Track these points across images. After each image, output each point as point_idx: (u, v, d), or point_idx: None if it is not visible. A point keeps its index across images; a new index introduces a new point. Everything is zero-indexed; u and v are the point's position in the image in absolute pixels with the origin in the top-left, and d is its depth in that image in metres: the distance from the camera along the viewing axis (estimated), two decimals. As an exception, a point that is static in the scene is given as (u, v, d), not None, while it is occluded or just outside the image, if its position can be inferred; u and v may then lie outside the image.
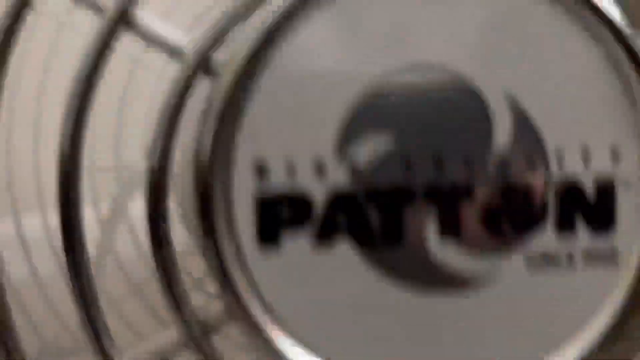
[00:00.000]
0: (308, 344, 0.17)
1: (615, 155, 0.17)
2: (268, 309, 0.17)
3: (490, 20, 0.16)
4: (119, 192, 0.40)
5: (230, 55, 0.17)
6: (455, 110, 0.17)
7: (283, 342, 0.17)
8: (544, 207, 0.17)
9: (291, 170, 0.17)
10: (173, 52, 0.17)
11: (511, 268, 0.17)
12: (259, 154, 0.16)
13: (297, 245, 0.17)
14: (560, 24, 0.17)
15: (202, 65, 0.17)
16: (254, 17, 0.17)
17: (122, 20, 0.16)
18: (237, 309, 0.17)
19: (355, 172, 0.17)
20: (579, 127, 0.17)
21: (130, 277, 0.39)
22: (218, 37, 0.17)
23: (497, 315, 0.17)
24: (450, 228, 0.17)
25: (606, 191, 0.17)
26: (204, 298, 0.19)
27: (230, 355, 0.18)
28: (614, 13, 0.17)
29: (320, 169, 0.17)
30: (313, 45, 0.16)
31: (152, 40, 0.17)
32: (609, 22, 0.17)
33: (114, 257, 0.39)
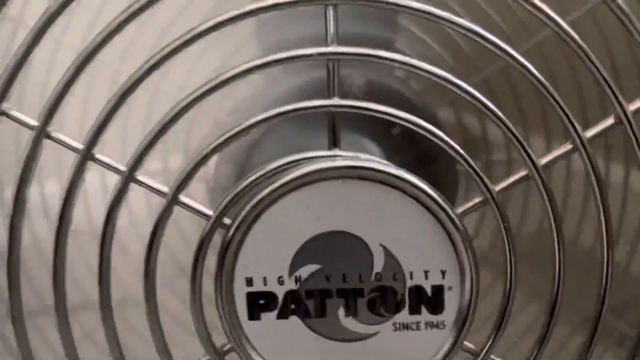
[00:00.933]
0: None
1: (443, 274, 0.31)
2: (255, 350, 0.32)
3: (367, 203, 0.30)
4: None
5: (235, 217, 0.31)
6: (354, 251, 0.31)
7: (263, 366, 0.32)
8: (402, 300, 0.31)
9: (265, 281, 0.31)
10: (202, 215, 0.31)
11: (385, 331, 0.32)
12: (248, 273, 0.31)
13: (269, 318, 0.31)
14: (409, 206, 0.30)
15: (219, 224, 0.31)
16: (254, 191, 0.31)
17: (175, 201, 0.31)
18: (240, 350, 0.32)
19: (299, 281, 0.31)
20: (423, 261, 0.31)
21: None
22: (231, 204, 0.31)
23: (376, 356, 0.32)
24: (352, 311, 0.32)
25: (438, 292, 0.31)
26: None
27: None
28: (439, 197, 0.30)
29: (280, 281, 0.31)
30: (281, 219, 0.30)
31: (191, 209, 0.31)
32: (435, 200, 0.30)
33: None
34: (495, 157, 0.56)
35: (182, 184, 0.31)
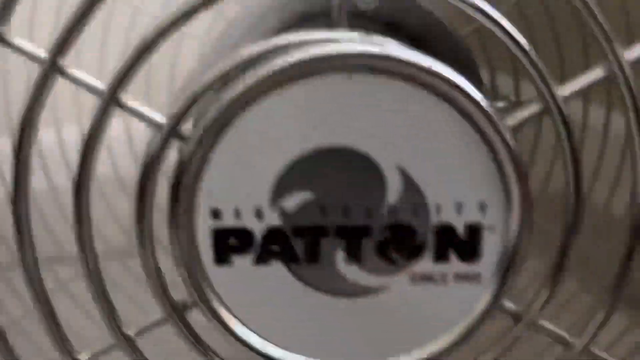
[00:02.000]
0: (254, 329, 0.24)
1: (482, 208, 0.23)
2: (225, 305, 0.24)
3: (381, 108, 0.22)
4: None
5: (197, 124, 0.22)
6: (360, 174, 0.22)
7: (237, 327, 0.24)
8: (424, 243, 0.23)
9: (237, 214, 0.23)
10: (154, 125, 0.23)
11: (398, 284, 0.23)
12: (214, 202, 0.23)
13: (243, 263, 0.23)
14: (440, 110, 0.22)
15: (175, 134, 0.23)
16: (218, 96, 0.22)
17: (115, 102, 0.22)
18: (203, 304, 0.24)
19: (284, 214, 0.23)
20: (454, 190, 0.22)
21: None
22: (186, 112, 0.23)
23: (386, 316, 0.24)
24: (354, 256, 0.23)
25: (474, 233, 0.23)
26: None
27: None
28: (475, 94, 0.22)
29: (259, 213, 0.23)
30: (258, 128, 0.22)
31: (138, 117, 0.23)
32: (476, 102, 0.22)
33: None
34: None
35: (124, 78, 0.22)
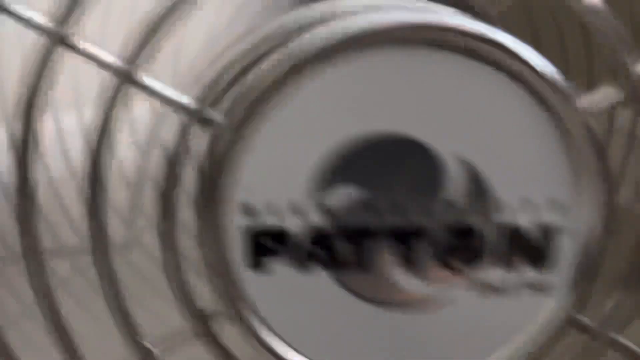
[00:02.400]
0: (294, 346, 0.21)
1: (556, 206, 0.20)
2: (258, 315, 0.21)
3: (442, 91, 0.19)
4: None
5: (230, 108, 0.20)
6: (415, 166, 0.20)
7: (275, 344, 0.21)
8: (488, 247, 0.20)
9: (274, 211, 0.20)
10: (178, 107, 0.20)
11: (460, 294, 0.20)
12: (248, 197, 0.20)
13: (281, 269, 0.21)
14: (505, 89, 0.19)
15: (201, 120, 0.20)
16: (249, 78, 0.20)
17: (130, 81, 0.20)
18: (235, 316, 0.21)
19: (329, 214, 0.20)
20: (524, 184, 0.19)
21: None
22: (217, 94, 0.20)
23: (444, 332, 0.21)
24: (408, 261, 0.20)
25: (546, 236, 0.20)
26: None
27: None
28: (554, 74, 0.19)
29: (297, 211, 0.20)
30: (295, 112, 0.19)
31: (161, 99, 0.20)
32: (552, 84, 0.19)
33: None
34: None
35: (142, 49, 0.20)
